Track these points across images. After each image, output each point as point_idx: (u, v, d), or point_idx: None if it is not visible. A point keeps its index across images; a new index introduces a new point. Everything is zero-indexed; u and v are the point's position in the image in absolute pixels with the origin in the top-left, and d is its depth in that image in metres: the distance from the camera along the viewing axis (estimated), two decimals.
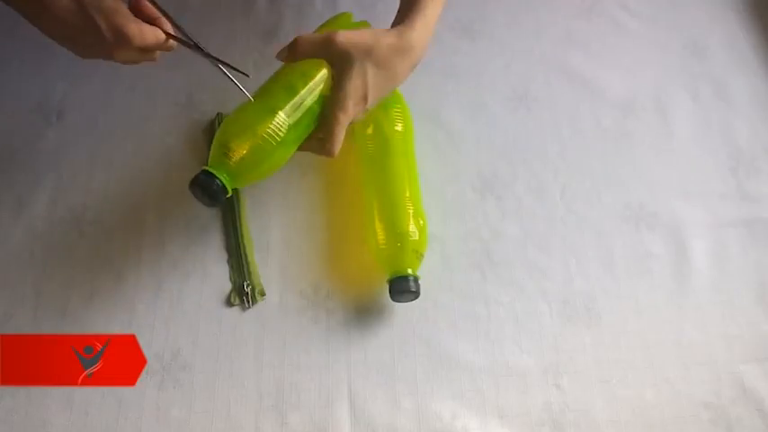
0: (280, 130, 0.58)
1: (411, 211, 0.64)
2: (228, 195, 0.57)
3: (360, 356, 0.63)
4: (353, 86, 0.58)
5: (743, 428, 0.60)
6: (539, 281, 0.67)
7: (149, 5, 0.57)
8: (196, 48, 0.58)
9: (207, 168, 0.57)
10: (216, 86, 0.69)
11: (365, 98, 0.59)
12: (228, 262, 0.67)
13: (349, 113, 0.58)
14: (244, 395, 0.61)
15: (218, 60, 0.58)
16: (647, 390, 0.61)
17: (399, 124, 0.69)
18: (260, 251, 0.68)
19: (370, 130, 0.69)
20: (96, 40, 0.54)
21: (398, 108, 0.70)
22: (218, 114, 0.75)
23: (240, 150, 0.57)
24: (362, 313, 0.65)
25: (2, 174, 0.72)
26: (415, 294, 0.62)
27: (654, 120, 0.77)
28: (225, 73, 0.58)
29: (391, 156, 0.68)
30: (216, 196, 0.57)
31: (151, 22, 0.56)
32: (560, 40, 0.83)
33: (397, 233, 0.63)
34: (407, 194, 0.65)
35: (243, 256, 0.67)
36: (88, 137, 0.74)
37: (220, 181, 0.56)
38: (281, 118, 0.58)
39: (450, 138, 0.75)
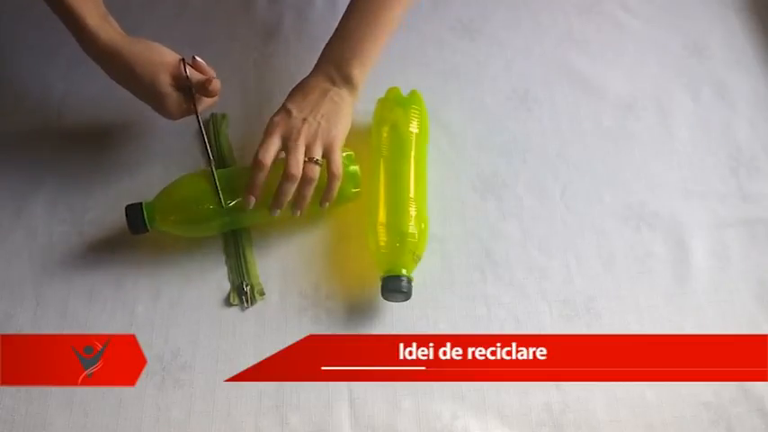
0: (217, 218, 0.65)
1: (414, 213, 0.64)
2: (146, 231, 0.64)
3: None
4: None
5: (743, 428, 0.60)
6: (539, 281, 0.67)
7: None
8: (202, 132, 0.67)
9: (143, 204, 0.64)
10: None
11: (288, 113, 0.64)
12: (226, 262, 0.67)
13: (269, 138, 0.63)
14: (244, 395, 0.61)
15: (209, 155, 0.66)
16: (647, 390, 0.61)
17: (415, 125, 0.70)
18: (260, 250, 0.68)
19: (386, 130, 0.69)
20: (141, 97, 0.66)
21: (416, 109, 0.71)
22: (212, 115, 0.75)
23: (175, 216, 0.64)
24: (362, 313, 0.65)
25: (2, 174, 0.72)
26: (406, 295, 0.62)
27: (654, 119, 0.77)
28: (209, 158, 0.65)
29: (403, 157, 0.68)
30: (135, 228, 0.64)
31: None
32: (561, 39, 0.83)
33: (397, 232, 0.63)
34: (412, 196, 0.65)
35: (241, 256, 0.67)
36: (88, 137, 0.74)
37: (145, 221, 0.63)
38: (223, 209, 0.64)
39: (451, 138, 0.75)
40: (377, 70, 0.69)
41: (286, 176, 0.62)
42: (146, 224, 0.63)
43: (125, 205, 0.64)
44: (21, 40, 0.81)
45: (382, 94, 0.73)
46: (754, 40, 0.83)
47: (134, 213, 0.63)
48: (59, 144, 0.74)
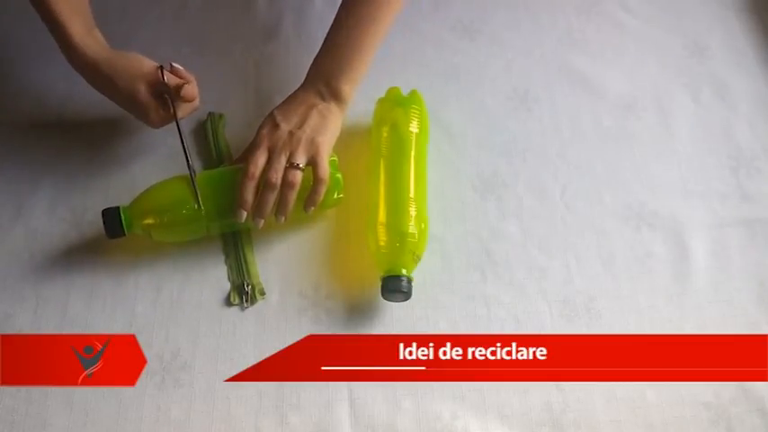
0: (198, 224, 0.64)
1: (414, 213, 0.64)
2: (123, 235, 0.64)
3: None
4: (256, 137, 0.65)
5: (743, 428, 0.60)
6: (539, 281, 0.67)
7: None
8: (181, 139, 0.66)
9: (120, 208, 0.63)
10: (209, 88, 0.69)
11: (276, 126, 0.64)
12: (226, 262, 0.67)
13: (256, 159, 0.63)
14: (244, 395, 0.61)
15: (188, 163, 0.65)
16: (647, 390, 0.61)
17: (415, 125, 0.70)
18: (260, 250, 0.68)
19: (386, 130, 0.69)
20: (123, 107, 0.68)
21: (416, 109, 0.71)
22: (209, 114, 0.75)
23: (153, 220, 0.64)
24: (362, 313, 0.65)
25: (1, 174, 0.72)
26: (406, 295, 0.62)
27: (654, 119, 0.77)
28: (188, 164, 0.65)
29: (403, 157, 0.68)
30: (113, 232, 0.63)
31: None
32: (561, 39, 0.83)
33: (397, 232, 0.63)
34: (412, 196, 0.66)
35: (241, 256, 0.67)
36: (88, 137, 0.74)
37: (122, 225, 0.63)
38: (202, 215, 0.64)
39: (451, 138, 0.75)
40: (377, 70, 0.69)
41: (265, 184, 0.62)
42: (123, 228, 0.63)
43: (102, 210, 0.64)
44: (21, 40, 0.81)
45: (382, 94, 0.73)
46: (754, 40, 0.83)
47: (111, 217, 0.63)
48: (59, 144, 0.74)
